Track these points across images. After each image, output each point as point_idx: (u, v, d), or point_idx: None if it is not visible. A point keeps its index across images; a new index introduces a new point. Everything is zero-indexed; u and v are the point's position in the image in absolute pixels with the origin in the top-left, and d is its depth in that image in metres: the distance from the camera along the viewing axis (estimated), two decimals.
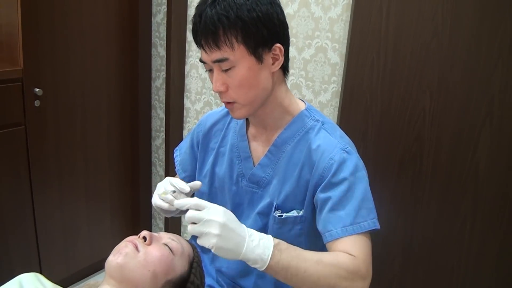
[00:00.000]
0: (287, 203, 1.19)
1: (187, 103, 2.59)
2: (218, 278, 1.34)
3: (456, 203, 1.77)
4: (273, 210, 1.20)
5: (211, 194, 1.34)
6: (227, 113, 1.33)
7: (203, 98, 2.51)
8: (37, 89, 1.96)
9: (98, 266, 2.53)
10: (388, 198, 1.90)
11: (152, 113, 2.71)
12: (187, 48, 2.49)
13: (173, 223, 2.74)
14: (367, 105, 1.87)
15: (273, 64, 1.12)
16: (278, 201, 1.19)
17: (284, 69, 1.19)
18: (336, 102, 2.02)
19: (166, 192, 1.12)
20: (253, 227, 1.03)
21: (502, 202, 1.69)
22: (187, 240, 1.17)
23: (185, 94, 2.58)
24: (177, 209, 1.15)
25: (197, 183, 1.17)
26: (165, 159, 2.71)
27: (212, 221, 0.93)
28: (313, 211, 1.17)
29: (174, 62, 2.48)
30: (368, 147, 1.89)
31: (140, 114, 2.59)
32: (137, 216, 2.69)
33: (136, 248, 1.00)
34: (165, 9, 2.44)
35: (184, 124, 2.64)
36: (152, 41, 2.57)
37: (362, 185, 1.11)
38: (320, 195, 1.11)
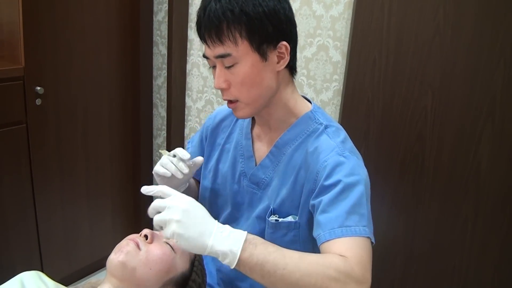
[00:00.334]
0: (284, 207, 1.15)
1: (188, 101, 2.59)
2: (218, 278, 1.33)
3: (458, 203, 1.77)
4: (268, 215, 1.16)
5: (213, 190, 1.32)
6: None
7: (205, 97, 2.50)
8: (38, 88, 1.96)
9: (99, 264, 2.53)
10: (390, 197, 1.89)
11: (153, 111, 2.71)
12: (188, 46, 2.49)
13: None
14: (369, 103, 1.87)
15: (278, 62, 1.08)
16: (275, 205, 1.16)
17: (291, 68, 1.15)
18: (337, 100, 2.02)
19: (166, 153, 1.13)
20: (251, 231, 0.98)
21: (504, 202, 1.69)
22: None
23: (186, 93, 2.58)
24: (177, 179, 1.17)
25: (199, 158, 1.18)
26: None
27: (174, 207, 0.87)
28: (308, 217, 1.11)
29: (176, 61, 2.48)
30: (369, 146, 1.89)
31: (141, 113, 2.59)
32: (138, 214, 2.69)
33: (138, 246, 1.00)
34: (167, 8, 2.44)
35: (185, 123, 2.64)
36: (154, 39, 2.57)
37: (358, 190, 1.02)
38: (313, 201, 1.05)
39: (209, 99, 2.49)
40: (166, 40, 2.49)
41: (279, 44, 1.06)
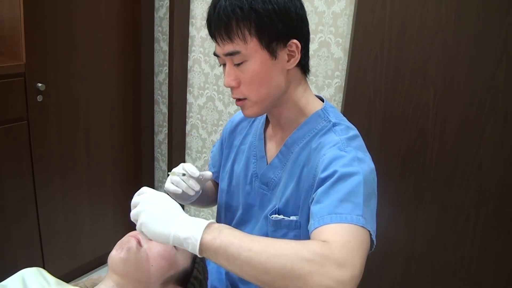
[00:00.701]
0: (289, 207, 1.13)
1: (189, 98, 2.59)
2: (227, 281, 1.33)
3: (460, 199, 1.76)
4: (272, 213, 1.14)
5: (229, 192, 1.31)
6: None
7: (206, 93, 2.50)
8: (39, 84, 1.96)
9: (100, 260, 2.53)
10: (391, 194, 1.89)
11: (154, 108, 2.71)
12: (189, 43, 2.49)
13: None
14: (371, 100, 1.86)
15: (288, 61, 1.07)
16: (280, 204, 1.14)
17: (303, 67, 1.13)
18: (339, 97, 2.02)
19: (176, 173, 1.11)
20: (260, 233, 0.95)
21: (505, 198, 1.69)
22: None
23: (187, 89, 2.58)
24: (188, 195, 1.16)
25: (207, 173, 1.17)
26: (168, 154, 2.71)
27: (145, 200, 0.91)
28: (308, 216, 1.04)
29: (177, 57, 2.48)
30: (371, 142, 1.89)
31: (142, 109, 2.59)
32: None
33: (139, 243, 1.00)
34: (168, 4, 2.44)
35: (186, 119, 2.64)
36: (155, 36, 2.57)
37: (355, 179, 0.96)
38: (312, 196, 1.01)
39: (210, 95, 2.49)
40: (167, 36, 2.49)
41: (290, 42, 1.05)
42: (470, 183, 1.73)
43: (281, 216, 1.13)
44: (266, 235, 1.14)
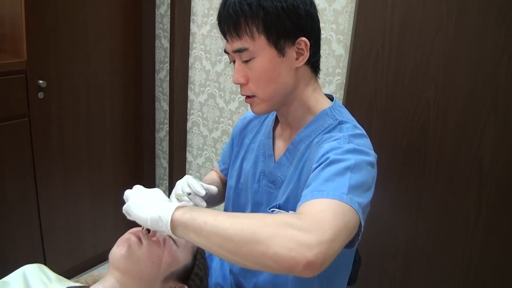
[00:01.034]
0: (289, 203, 1.12)
1: (191, 95, 2.59)
2: (231, 279, 1.33)
3: (460, 196, 1.77)
4: (271, 208, 1.14)
5: (237, 190, 1.31)
6: None
7: (207, 90, 2.50)
8: (41, 81, 1.96)
9: (102, 257, 2.53)
10: (392, 191, 1.89)
11: (155, 105, 2.71)
12: (191, 40, 2.49)
13: None
14: (372, 97, 1.86)
15: (297, 59, 1.07)
16: (281, 201, 1.14)
17: (314, 66, 1.13)
18: (340, 94, 2.02)
19: (182, 194, 1.11)
20: None
21: (506, 196, 1.69)
22: None
23: (189, 86, 2.58)
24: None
25: (213, 188, 1.16)
26: (169, 151, 2.71)
27: (134, 191, 0.97)
28: None
29: (178, 54, 2.48)
30: (372, 139, 1.87)
31: (143, 106, 2.59)
32: None
33: (140, 240, 1.00)
34: (169, 1, 2.44)
35: (187, 116, 2.64)
36: (156, 32, 2.56)
37: (345, 164, 0.94)
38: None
39: (211, 92, 2.49)
40: (169, 33, 2.49)
41: (298, 40, 1.05)
42: (471, 180, 1.73)
43: (278, 210, 1.12)
44: None
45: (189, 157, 2.72)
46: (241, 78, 1.07)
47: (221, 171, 1.45)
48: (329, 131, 1.10)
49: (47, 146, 2.09)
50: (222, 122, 2.50)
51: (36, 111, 1.99)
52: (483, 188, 1.72)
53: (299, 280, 1.16)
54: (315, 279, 1.17)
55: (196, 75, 2.53)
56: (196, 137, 2.65)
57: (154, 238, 1.02)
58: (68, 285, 1.08)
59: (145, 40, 2.50)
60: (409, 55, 1.75)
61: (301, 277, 1.15)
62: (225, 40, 1.08)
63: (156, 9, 2.52)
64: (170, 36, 2.47)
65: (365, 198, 0.94)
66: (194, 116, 2.62)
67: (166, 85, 2.61)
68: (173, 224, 0.86)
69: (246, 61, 1.05)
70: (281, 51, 1.04)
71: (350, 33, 1.92)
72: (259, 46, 1.03)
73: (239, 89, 1.14)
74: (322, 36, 1.98)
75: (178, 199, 1.11)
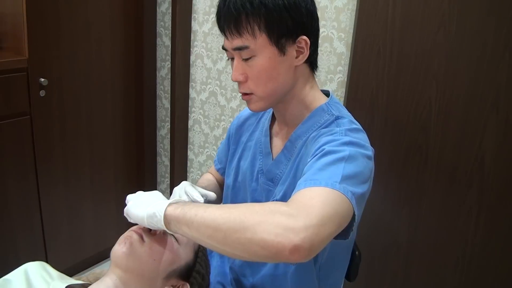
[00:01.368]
0: (285, 200, 1.07)
1: (192, 93, 2.59)
2: (230, 277, 1.33)
3: (461, 194, 1.76)
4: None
5: (234, 188, 1.31)
6: None
7: (208, 88, 2.50)
8: (42, 79, 1.96)
9: (103, 255, 2.54)
10: (393, 189, 1.89)
11: (157, 103, 2.71)
12: (192, 37, 2.49)
13: None
14: (373, 95, 1.86)
15: (297, 57, 1.06)
16: (278, 197, 1.14)
17: (312, 64, 1.13)
18: (342, 92, 2.01)
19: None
20: None
21: (507, 194, 1.69)
22: None
23: (190, 84, 2.58)
24: None
25: (211, 195, 1.16)
26: (170, 149, 2.71)
27: (135, 195, 0.99)
28: None
29: (179, 52, 2.48)
30: (373, 137, 1.87)
31: (145, 104, 2.59)
32: None
33: (142, 237, 1.00)
34: None
35: (189, 114, 2.64)
36: (157, 30, 2.56)
37: (339, 155, 0.94)
38: None
39: (212, 90, 2.49)
40: (170, 31, 2.49)
41: (299, 39, 1.05)
42: (472, 178, 1.73)
43: None
44: None
45: (190, 155, 2.72)
46: (240, 76, 1.06)
47: (218, 170, 1.45)
48: (326, 126, 1.09)
49: (48, 144, 2.09)
50: (223, 120, 2.50)
51: (38, 109, 1.99)
52: (484, 186, 1.72)
53: (298, 275, 1.16)
54: (313, 272, 1.17)
55: (197, 73, 2.53)
56: (198, 135, 2.65)
57: (155, 236, 1.02)
58: (70, 283, 1.08)
59: (147, 38, 2.49)
60: (411, 52, 1.75)
61: (300, 271, 1.16)
62: (224, 37, 1.07)
63: (157, 7, 2.52)
64: (172, 34, 2.47)
65: (360, 188, 0.93)
66: (195, 114, 2.62)
67: (167, 83, 2.61)
68: (166, 219, 0.88)
69: (246, 59, 1.05)
70: (281, 50, 1.03)
71: (351, 30, 1.92)
72: (260, 44, 1.02)
73: None
74: (324, 34, 1.98)
75: None
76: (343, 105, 1.93)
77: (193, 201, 1.12)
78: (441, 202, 1.81)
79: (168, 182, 2.81)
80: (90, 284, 1.02)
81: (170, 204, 0.89)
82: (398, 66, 1.79)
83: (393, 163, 1.87)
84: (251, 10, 1.00)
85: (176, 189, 1.16)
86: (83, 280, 1.18)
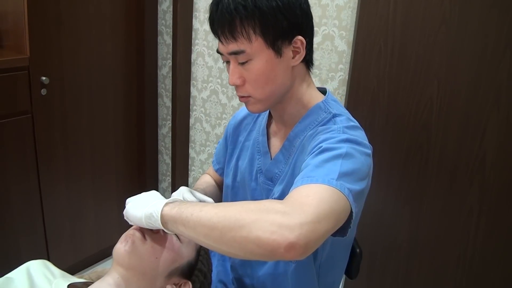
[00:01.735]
0: (283, 197, 1.12)
1: (193, 91, 2.59)
2: (232, 276, 1.33)
3: (463, 193, 1.76)
4: None
5: (234, 188, 1.30)
6: None
7: (210, 86, 2.50)
8: (43, 78, 1.96)
9: (105, 253, 2.54)
10: (394, 187, 1.89)
11: (158, 101, 2.71)
12: (193, 36, 2.49)
13: None
14: (374, 93, 1.86)
15: (293, 57, 1.05)
16: (276, 195, 1.13)
17: (308, 62, 1.11)
18: (343, 90, 2.01)
19: None
20: None
21: (509, 192, 1.69)
22: None
23: (191, 83, 2.58)
24: None
25: (209, 201, 1.15)
26: (171, 148, 2.71)
27: (133, 198, 0.99)
28: None
29: (180, 50, 2.47)
30: (375, 135, 1.89)
31: (146, 103, 2.59)
32: None
33: (143, 236, 1.00)
34: None
35: (190, 113, 2.64)
36: (158, 29, 2.56)
37: (338, 151, 0.93)
38: None
39: (214, 88, 2.49)
40: (171, 29, 2.48)
41: (295, 39, 1.03)
42: (474, 177, 1.73)
43: None
44: None
45: (191, 153, 2.72)
46: (237, 80, 1.05)
47: (216, 170, 1.44)
48: (323, 124, 1.09)
49: (50, 142, 2.09)
50: (224, 118, 2.50)
51: (39, 107, 1.99)
52: (485, 185, 1.72)
53: (298, 273, 1.16)
54: (313, 271, 1.17)
55: (198, 71, 2.53)
56: (199, 133, 2.65)
57: (157, 234, 1.02)
58: (72, 281, 1.08)
59: (148, 36, 2.49)
60: (412, 50, 1.75)
61: (300, 270, 1.16)
62: (218, 41, 1.05)
63: (158, 5, 2.52)
64: (173, 32, 2.47)
65: (358, 185, 0.92)
66: (196, 112, 2.62)
67: (168, 81, 2.61)
68: (163, 219, 0.88)
69: (242, 63, 1.03)
70: (278, 52, 1.02)
71: (352, 28, 1.91)
72: (256, 48, 1.00)
73: None
74: (325, 32, 1.98)
75: None
76: (345, 103, 1.96)
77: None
78: (442, 200, 1.81)
79: (170, 181, 2.81)
80: (92, 283, 1.02)
81: (166, 204, 0.89)
82: (399, 64, 1.79)
83: (394, 162, 1.87)
84: (245, 14, 0.98)
85: (174, 194, 1.15)
86: (85, 279, 1.18)
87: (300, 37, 1.04)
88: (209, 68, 2.47)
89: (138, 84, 2.51)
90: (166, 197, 0.97)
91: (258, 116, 1.29)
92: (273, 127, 1.23)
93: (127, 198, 1.01)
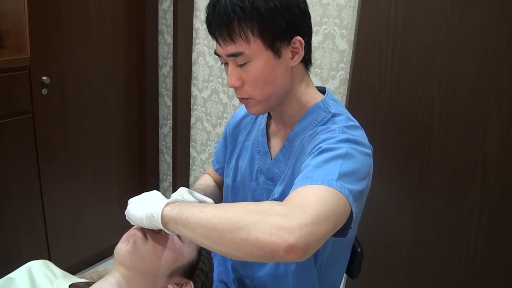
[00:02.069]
0: (283, 198, 1.11)
1: (194, 90, 2.59)
2: (233, 276, 1.33)
3: (464, 191, 1.76)
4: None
5: (234, 188, 1.30)
6: None
7: (210, 86, 2.50)
8: (44, 77, 1.96)
9: (106, 252, 2.54)
10: (396, 186, 1.89)
11: (159, 101, 2.71)
12: (194, 35, 2.48)
13: None
14: (375, 92, 1.86)
15: (292, 58, 1.04)
16: (276, 195, 1.13)
17: (306, 62, 1.11)
18: (344, 89, 2.01)
19: None
20: None
21: (510, 190, 1.69)
22: None
23: (192, 82, 2.58)
24: None
25: (209, 201, 1.14)
26: (172, 147, 2.71)
27: (135, 198, 1.00)
28: None
29: (181, 50, 2.47)
30: (376, 134, 1.88)
31: (147, 102, 2.59)
32: None
33: (145, 235, 1.00)
34: None
35: (191, 112, 2.64)
36: (159, 28, 2.56)
37: (337, 152, 0.93)
38: None
39: (215, 88, 2.49)
40: (172, 29, 2.48)
41: (293, 40, 1.03)
42: (475, 175, 1.73)
43: None
44: None
45: (192, 152, 2.72)
46: (236, 82, 1.04)
47: (216, 170, 1.44)
48: (323, 124, 1.08)
49: (51, 142, 2.09)
50: (225, 117, 2.50)
51: (40, 107, 1.99)
52: (487, 183, 1.72)
53: (299, 274, 1.16)
54: (314, 271, 1.17)
55: (199, 70, 2.52)
56: (200, 133, 2.65)
57: (159, 234, 1.02)
58: (74, 281, 1.08)
59: (148, 35, 2.49)
60: (413, 49, 1.75)
61: (300, 270, 1.16)
62: (216, 43, 1.04)
63: (159, 5, 2.52)
64: (173, 32, 2.46)
65: (358, 186, 0.92)
66: (197, 112, 2.62)
67: (169, 81, 2.61)
68: (164, 220, 0.88)
69: (241, 65, 1.02)
70: (277, 53, 1.01)
71: (353, 27, 1.91)
72: (254, 49, 0.99)
73: None
74: (326, 31, 1.98)
75: None
76: (346, 102, 1.95)
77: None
78: (444, 199, 1.81)
79: (171, 180, 2.81)
80: (94, 282, 1.02)
81: (167, 204, 0.89)
82: (400, 63, 1.78)
83: (395, 161, 1.87)
84: (243, 15, 0.97)
85: (173, 195, 1.15)
86: (86, 278, 1.18)
87: (299, 38, 1.03)
88: (210, 67, 2.47)
89: (138, 83, 2.50)
90: (167, 197, 0.96)
91: (258, 116, 1.28)
92: (273, 127, 1.23)
93: (128, 197, 1.01)
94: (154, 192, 1.00)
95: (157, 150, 2.80)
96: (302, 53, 1.05)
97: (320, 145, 0.97)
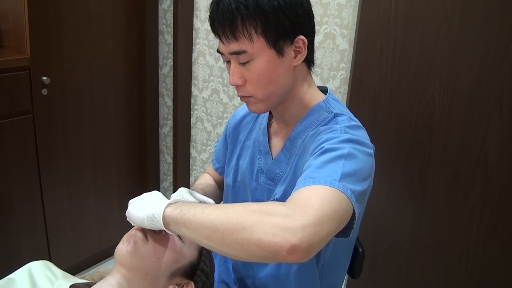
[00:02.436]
0: (285, 199, 1.06)
1: (194, 90, 2.59)
2: (234, 276, 1.33)
3: (465, 191, 1.76)
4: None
5: (234, 188, 1.30)
6: None
7: (211, 86, 2.50)
8: (44, 78, 1.96)
9: (107, 253, 2.54)
10: (397, 186, 1.89)
11: (159, 101, 2.71)
12: (194, 35, 2.48)
13: None
14: (376, 92, 1.86)
15: (295, 57, 1.04)
16: (278, 195, 1.13)
17: (309, 62, 1.11)
18: (344, 89, 2.01)
19: None
20: None
21: (511, 189, 1.68)
22: None
23: (192, 82, 2.58)
24: None
25: (209, 201, 1.15)
26: (173, 147, 2.71)
27: (136, 199, 1.00)
28: None
29: (181, 50, 2.47)
30: (377, 134, 1.88)
31: (147, 102, 2.59)
32: None
33: (145, 236, 1.00)
34: None
35: (191, 112, 2.64)
36: (159, 28, 2.56)
37: (339, 152, 0.93)
38: None
39: (215, 88, 2.48)
40: (172, 29, 2.48)
41: (296, 39, 1.03)
42: (476, 175, 1.73)
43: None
44: None
45: (193, 152, 2.72)
46: (238, 80, 1.04)
47: (216, 169, 1.44)
48: (325, 124, 1.08)
49: (51, 142, 2.09)
50: (225, 117, 2.50)
51: (40, 107, 1.99)
52: (488, 182, 1.71)
53: (300, 274, 1.16)
54: (316, 271, 1.17)
55: (199, 70, 2.52)
56: (200, 133, 2.65)
57: (159, 235, 1.02)
58: (74, 282, 1.08)
59: (148, 35, 2.49)
60: (414, 49, 1.74)
61: (302, 270, 1.15)
62: (219, 40, 1.04)
63: (159, 5, 2.52)
64: (174, 32, 2.46)
65: (360, 186, 0.92)
66: (198, 112, 2.61)
67: (169, 81, 2.61)
68: (165, 220, 0.88)
69: (244, 63, 1.02)
70: (280, 52, 1.01)
71: (354, 27, 1.91)
72: (257, 48, 0.99)
73: None
74: (326, 30, 1.97)
75: None
76: (346, 102, 1.95)
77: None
78: (445, 198, 1.81)
79: (171, 180, 2.81)
80: (95, 283, 1.02)
81: (168, 205, 0.89)
82: (401, 63, 1.78)
83: (396, 160, 1.87)
84: (247, 13, 0.97)
85: (173, 195, 1.15)
86: (87, 279, 1.18)
87: (302, 37, 1.03)
88: (210, 67, 2.47)
89: (139, 83, 2.50)
90: (168, 197, 0.96)
91: (259, 115, 1.28)
92: (274, 126, 1.22)
93: (129, 197, 1.01)
94: (155, 192, 1.00)
95: (158, 150, 2.80)
96: (305, 52, 1.05)
97: (322, 145, 0.97)
